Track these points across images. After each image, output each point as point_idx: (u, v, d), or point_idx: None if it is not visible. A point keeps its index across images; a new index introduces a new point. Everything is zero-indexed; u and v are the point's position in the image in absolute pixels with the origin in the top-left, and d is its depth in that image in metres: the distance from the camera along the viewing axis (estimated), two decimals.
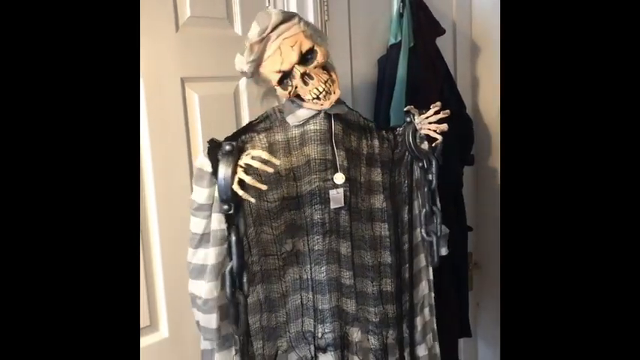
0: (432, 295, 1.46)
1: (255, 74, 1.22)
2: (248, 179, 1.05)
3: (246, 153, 1.08)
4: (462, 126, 2.05)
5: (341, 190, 1.27)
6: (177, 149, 1.47)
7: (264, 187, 1.07)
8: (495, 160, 2.36)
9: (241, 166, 1.06)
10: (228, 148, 1.07)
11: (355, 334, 1.34)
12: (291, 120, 1.24)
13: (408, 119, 1.36)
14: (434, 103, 1.34)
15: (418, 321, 1.42)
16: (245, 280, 1.11)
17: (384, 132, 1.39)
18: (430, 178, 1.35)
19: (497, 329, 2.46)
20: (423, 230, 1.40)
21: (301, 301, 1.29)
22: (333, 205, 1.26)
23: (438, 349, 1.49)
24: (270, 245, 1.25)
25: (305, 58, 1.19)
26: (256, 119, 1.26)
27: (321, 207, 1.25)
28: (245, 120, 1.60)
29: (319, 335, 1.29)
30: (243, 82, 1.60)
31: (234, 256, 1.10)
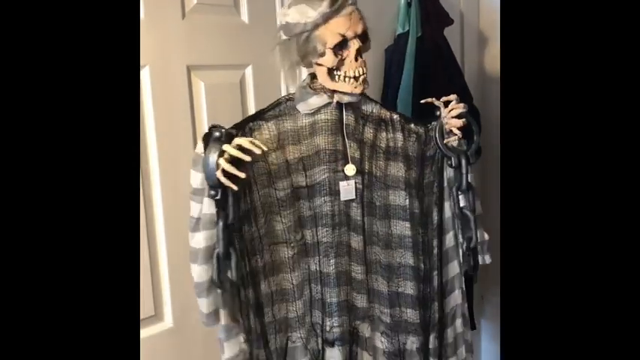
0: (466, 305, 1.37)
1: (312, 30, 1.16)
2: (227, 166, 1.04)
3: (235, 141, 1.07)
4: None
5: (352, 181, 1.24)
6: (183, 137, 1.45)
7: (242, 174, 1.05)
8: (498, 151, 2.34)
9: (223, 152, 1.05)
10: (216, 134, 1.07)
11: (366, 330, 1.32)
12: (302, 108, 1.22)
13: (438, 112, 1.28)
14: (441, 94, 1.29)
15: (449, 333, 1.34)
16: (234, 265, 1.10)
17: (412, 125, 1.31)
18: (460, 178, 1.22)
19: (499, 322, 2.46)
20: (459, 235, 1.28)
21: (310, 293, 1.27)
22: (343, 197, 1.24)
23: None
24: (281, 234, 1.23)
25: (362, 36, 1.19)
26: (267, 107, 1.24)
27: (331, 198, 1.24)
28: (251, 108, 1.59)
29: (327, 329, 1.27)
30: (249, 70, 1.58)
31: (220, 242, 1.09)
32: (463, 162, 1.22)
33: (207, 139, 1.09)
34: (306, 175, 1.24)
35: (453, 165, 1.23)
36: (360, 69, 1.18)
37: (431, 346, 1.31)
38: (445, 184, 1.29)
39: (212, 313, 1.15)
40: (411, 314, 1.30)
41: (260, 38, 1.58)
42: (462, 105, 1.24)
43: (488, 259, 1.33)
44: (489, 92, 2.35)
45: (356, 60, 1.18)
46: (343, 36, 1.16)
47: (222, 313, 1.16)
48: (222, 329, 1.17)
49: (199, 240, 1.13)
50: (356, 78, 1.18)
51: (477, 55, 2.33)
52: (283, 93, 1.62)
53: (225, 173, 1.04)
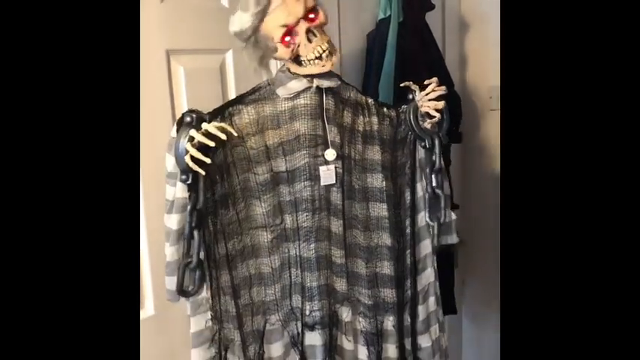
0: (438, 283, 1.40)
1: (255, 33, 1.17)
2: (193, 151, 1.04)
3: (202, 126, 1.07)
4: (450, 103, 2.03)
5: (332, 166, 1.25)
6: (162, 123, 1.44)
7: (207, 159, 1.05)
8: (482, 138, 2.35)
9: (192, 138, 1.05)
10: (187, 119, 1.08)
11: (345, 314, 1.33)
12: (281, 92, 1.22)
13: (410, 96, 1.31)
14: (423, 79, 1.31)
15: (421, 309, 1.36)
16: (196, 246, 1.12)
17: (385, 109, 1.35)
18: (434, 158, 1.28)
19: (481, 306, 2.48)
20: (426, 214, 1.33)
21: (290, 278, 1.27)
22: (323, 182, 1.24)
23: (445, 342, 1.42)
24: (260, 219, 1.23)
25: (308, 15, 1.16)
26: (247, 91, 1.24)
27: (311, 183, 1.24)
28: (231, 94, 1.58)
29: (307, 312, 1.28)
30: (229, 55, 1.57)
31: (187, 224, 1.11)
32: (437, 143, 1.27)
33: (180, 123, 1.09)
34: (285, 160, 1.24)
35: (427, 146, 1.27)
36: (319, 48, 1.17)
37: (405, 323, 1.35)
38: (417, 165, 1.33)
39: (175, 291, 1.16)
40: (388, 293, 1.33)
41: None
42: (442, 87, 1.27)
43: (455, 239, 1.38)
44: (469, 78, 2.36)
45: (310, 41, 1.16)
46: (286, 26, 1.14)
47: (191, 290, 1.18)
48: (190, 306, 1.21)
49: (172, 222, 1.16)
50: (319, 58, 1.17)
51: (457, 40, 2.33)
52: (264, 78, 1.60)
53: (194, 158, 1.04)
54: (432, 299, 1.38)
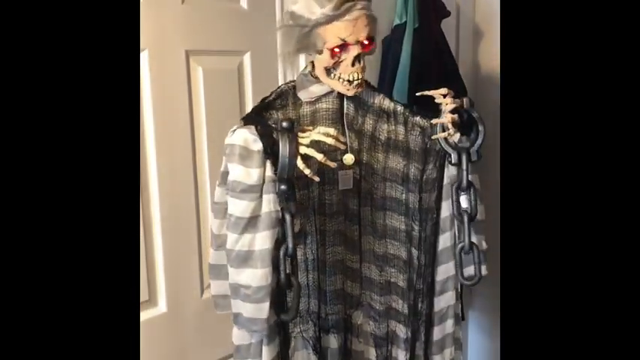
0: (460, 306, 1.34)
1: (313, 27, 1.14)
2: (320, 157, 1.03)
3: (301, 129, 1.06)
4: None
5: (350, 171, 1.25)
6: (180, 122, 1.45)
7: (333, 164, 1.06)
8: (495, 147, 2.35)
9: (303, 144, 1.04)
10: (286, 124, 1.03)
11: (358, 318, 1.34)
12: (303, 96, 1.22)
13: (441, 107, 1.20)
14: (436, 86, 1.24)
15: (436, 331, 1.30)
16: (296, 263, 1.08)
17: (418, 117, 1.25)
18: (460, 176, 1.17)
19: (488, 315, 2.48)
20: (452, 237, 1.23)
21: (307, 282, 1.28)
22: (341, 187, 1.25)
23: (460, 357, 1.37)
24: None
25: (366, 40, 1.16)
26: (271, 95, 1.23)
27: (329, 188, 1.24)
28: (248, 95, 1.59)
29: (323, 316, 1.28)
30: (247, 56, 1.58)
31: (290, 238, 1.05)
32: (463, 159, 1.16)
33: (267, 130, 1.04)
34: (305, 165, 1.24)
35: (453, 162, 1.17)
36: (356, 74, 1.16)
37: (418, 340, 1.30)
38: (446, 181, 1.23)
39: (269, 317, 1.08)
40: (400, 304, 1.31)
41: (259, 25, 1.58)
42: (454, 100, 1.16)
43: (483, 271, 1.23)
44: (484, 85, 2.36)
45: (352, 65, 1.16)
46: (343, 40, 1.13)
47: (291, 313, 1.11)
48: (267, 332, 1.12)
49: (257, 241, 1.05)
50: (350, 82, 1.17)
51: (471, 47, 2.33)
52: (281, 81, 1.62)
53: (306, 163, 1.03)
54: (450, 321, 1.31)
